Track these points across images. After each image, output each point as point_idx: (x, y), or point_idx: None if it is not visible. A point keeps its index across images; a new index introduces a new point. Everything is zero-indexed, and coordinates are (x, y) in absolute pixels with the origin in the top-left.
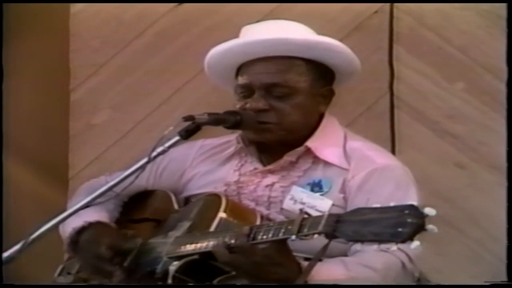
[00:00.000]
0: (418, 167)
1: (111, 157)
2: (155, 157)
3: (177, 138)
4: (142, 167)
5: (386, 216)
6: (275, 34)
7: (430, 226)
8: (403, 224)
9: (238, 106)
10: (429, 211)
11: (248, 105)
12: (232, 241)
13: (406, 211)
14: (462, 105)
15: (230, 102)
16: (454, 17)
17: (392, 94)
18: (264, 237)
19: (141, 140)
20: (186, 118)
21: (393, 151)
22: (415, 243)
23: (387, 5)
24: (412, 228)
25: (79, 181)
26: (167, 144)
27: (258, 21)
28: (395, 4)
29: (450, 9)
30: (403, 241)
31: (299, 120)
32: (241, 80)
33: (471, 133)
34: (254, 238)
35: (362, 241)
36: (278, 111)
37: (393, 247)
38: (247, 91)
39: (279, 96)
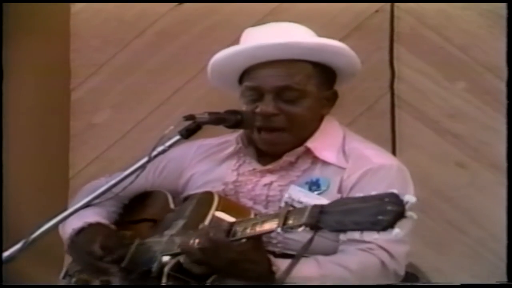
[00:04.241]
0: (418, 166)
1: (112, 157)
2: (156, 156)
3: (177, 137)
4: (143, 167)
5: (367, 205)
6: (282, 38)
7: (409, 213)
8: (383, 212)
9: (246, 109)
10: (409, 198)
11: (258, 110)
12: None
13: (386, 199)
14: (463, 105)
15: (231, 101)
16: (455, 17)
17: (392, 94)
18: (247, 231)
19: (141, 139)
20: (187, 118)
21: (393, 151)
22: (395, 231)
23: (388, 4)
24: (392, 216)
25: (80, 180)
26: (167, 144)
27: (258, 21)
28: (396, 4)
29: (451, 9)
30: (383, 229)
31: (307, 123)
32: (249, 83)
33: (471, 132)
34: (234, 234)
35: (344, 230)
36: (289, 115)
37: (375, 235)
38: (255, 94)
39: (289, 99)
